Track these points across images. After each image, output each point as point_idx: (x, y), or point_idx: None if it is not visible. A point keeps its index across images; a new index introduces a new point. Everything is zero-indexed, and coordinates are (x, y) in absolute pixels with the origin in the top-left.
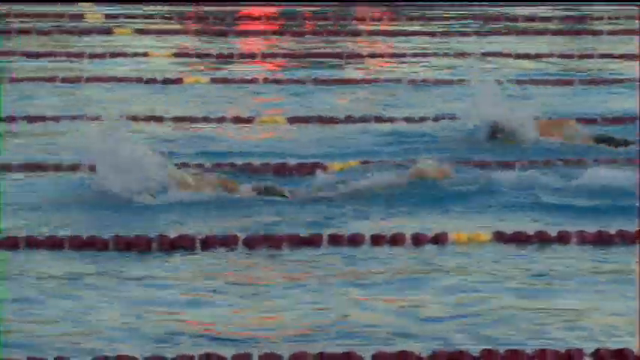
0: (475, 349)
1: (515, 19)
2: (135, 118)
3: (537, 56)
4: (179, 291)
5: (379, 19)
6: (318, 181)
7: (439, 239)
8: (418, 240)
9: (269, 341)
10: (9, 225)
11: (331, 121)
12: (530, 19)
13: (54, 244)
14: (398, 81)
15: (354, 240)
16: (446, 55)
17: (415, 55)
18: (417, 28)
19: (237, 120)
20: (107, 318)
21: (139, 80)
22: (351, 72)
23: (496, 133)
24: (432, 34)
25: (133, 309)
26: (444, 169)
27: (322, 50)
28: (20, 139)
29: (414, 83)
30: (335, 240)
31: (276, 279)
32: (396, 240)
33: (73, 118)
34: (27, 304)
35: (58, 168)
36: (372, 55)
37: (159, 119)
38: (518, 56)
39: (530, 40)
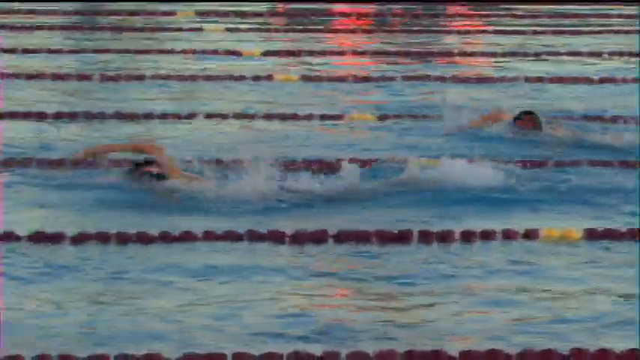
0: (565, 347)
1: (603, 16)
2: (224, 116)
3: (616, 55)
4: (268, 288)
5: (469, 17)
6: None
7: (530, 236)
8: (508, 237)
9: (356, 339)
10: (97, 222)
11: (421, 117)
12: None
13: (143, 240)
14: (489, 79)
15: (445, 237)
16: (536, 53)
17: (504, 54)
18: (506, 26)
19: (327, 117)
20: (196, 315)
21: (229, 77)
22: (441, 69)
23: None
24: (522, 32)
25: (221, 306)
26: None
27: (412, 48)
28: (110, 135)
29: (503, 80)
30: (425, 237)
31: (363, 275)
32: (486, 236)
33: (163, 115)
34: (118, 300)
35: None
36: (462, 53)
37: (249, 116)
38: (594, 54)
39: (606, 38)
